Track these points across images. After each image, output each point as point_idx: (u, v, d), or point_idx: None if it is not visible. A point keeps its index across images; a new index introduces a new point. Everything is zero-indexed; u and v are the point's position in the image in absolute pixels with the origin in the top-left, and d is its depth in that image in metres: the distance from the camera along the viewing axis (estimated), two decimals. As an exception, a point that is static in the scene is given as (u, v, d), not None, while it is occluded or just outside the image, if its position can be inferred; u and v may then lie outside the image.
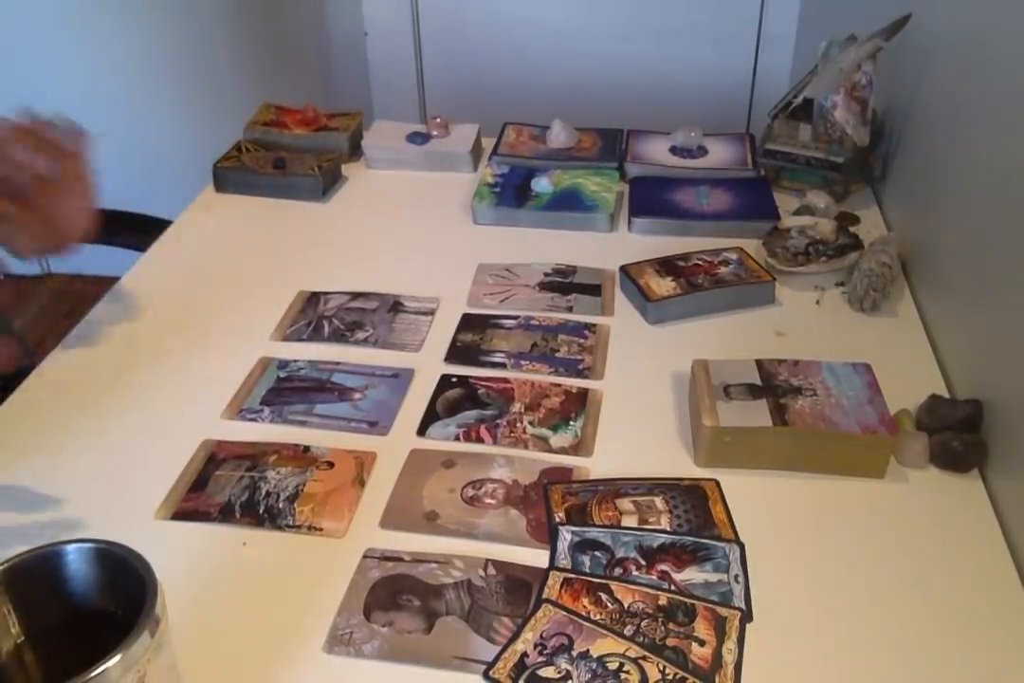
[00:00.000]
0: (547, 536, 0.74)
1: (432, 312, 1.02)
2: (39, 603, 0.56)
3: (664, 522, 0.75)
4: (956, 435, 0.80)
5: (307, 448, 0.83)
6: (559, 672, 0.62)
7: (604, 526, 0.74)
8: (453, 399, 0.89)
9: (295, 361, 0.94)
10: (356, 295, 1.05)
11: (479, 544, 0.73)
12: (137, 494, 0.78)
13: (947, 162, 1.02)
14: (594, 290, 1.06)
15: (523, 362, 0.94)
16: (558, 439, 0.84)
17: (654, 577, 0.70)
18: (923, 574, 0.71)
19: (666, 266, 1.05)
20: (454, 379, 0.92)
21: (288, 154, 1.29)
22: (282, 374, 0.92)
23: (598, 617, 0.66)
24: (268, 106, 1.41)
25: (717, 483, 0.79)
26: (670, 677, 0.62)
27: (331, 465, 0.81)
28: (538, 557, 0.72)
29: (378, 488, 0.79)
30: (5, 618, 0.55)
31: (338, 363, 0.94)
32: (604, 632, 0.65)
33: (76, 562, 0.56)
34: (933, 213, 1.05)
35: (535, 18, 2.33)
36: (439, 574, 0.70)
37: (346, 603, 0.68)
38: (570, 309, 1.02)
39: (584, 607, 0.67)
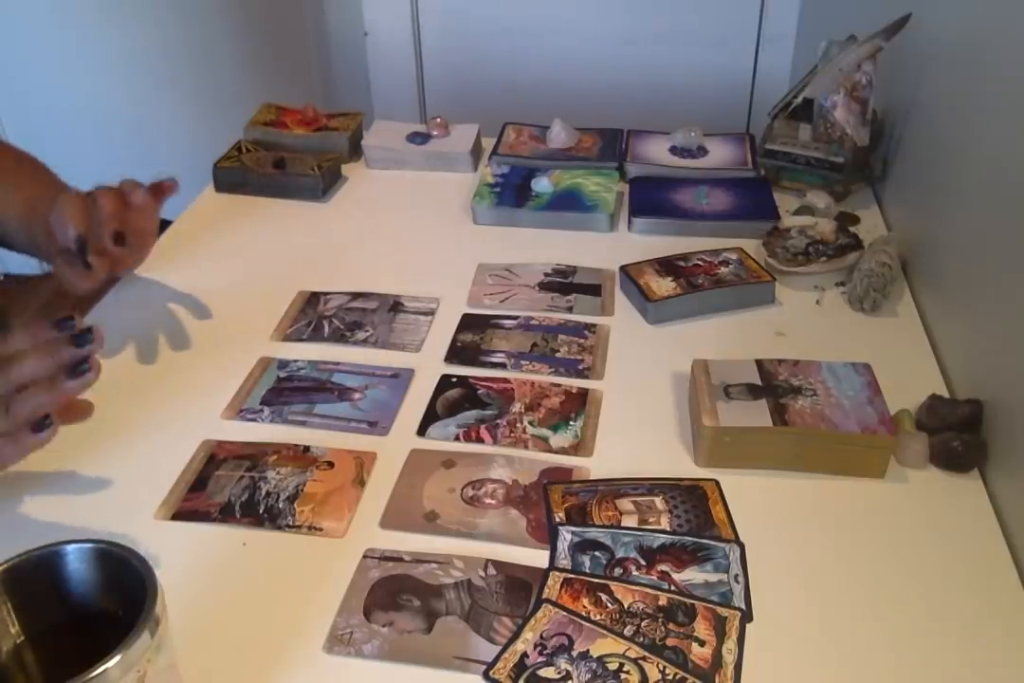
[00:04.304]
0: (547, 536, 0.74)
1: (432, 312, 1.02)
2: (39, 603, 0.56)
3: (664, 522, 0.75)
4: (956, 435, 0.80)
5: (307, 448, 0.83)
6: (559, 672, 0.62)
7: (604, 526, 0.74)
8: (453, 399, 0.89)
9: (295, 361, 0.94)
10: (356, 295, 1.05)
11: (479, 544, 0.73)
12: (137, 494, 0.78)
13: (947, 162, 1.02)
14: (594, 290, 1.06)
15: (523, 362, 0.94)
16: (558, 439, 0.84)
17: (654, 577, 0.70)
18: (923, 574, 0.71)
19: (666, 266, 1.05)
20: (454, 379, 0.92)
21: (288, 154, 1.29)
22: (282, 374, 0.93)
23: (598, 617, 0.66)
24: (268, 106, 1.41)
25: (717, 483, 0.79)
26: (670, 677, 0.62)
27: (331, 465, 0.81)
28: (538, 557, 0.72)
29: (378, 488, 0.79)
30: (5, 618, 0.55)
31: (338, 363, 0.94)
32: (604, 632, 0.65)
33: (76, 562, 0.56)
34: (933, 213, 1.05)
35: (535, 18, 2.33)
36: (439, 574, 0.70)
37: (346, 603, 0.68)
38: (570, 309, 1.02)
39: (584, 607, 0.67)
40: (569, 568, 0.71)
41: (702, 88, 2.34)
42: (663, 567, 0.70)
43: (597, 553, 0.72)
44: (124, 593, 0.54)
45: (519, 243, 1.16)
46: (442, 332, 0.99)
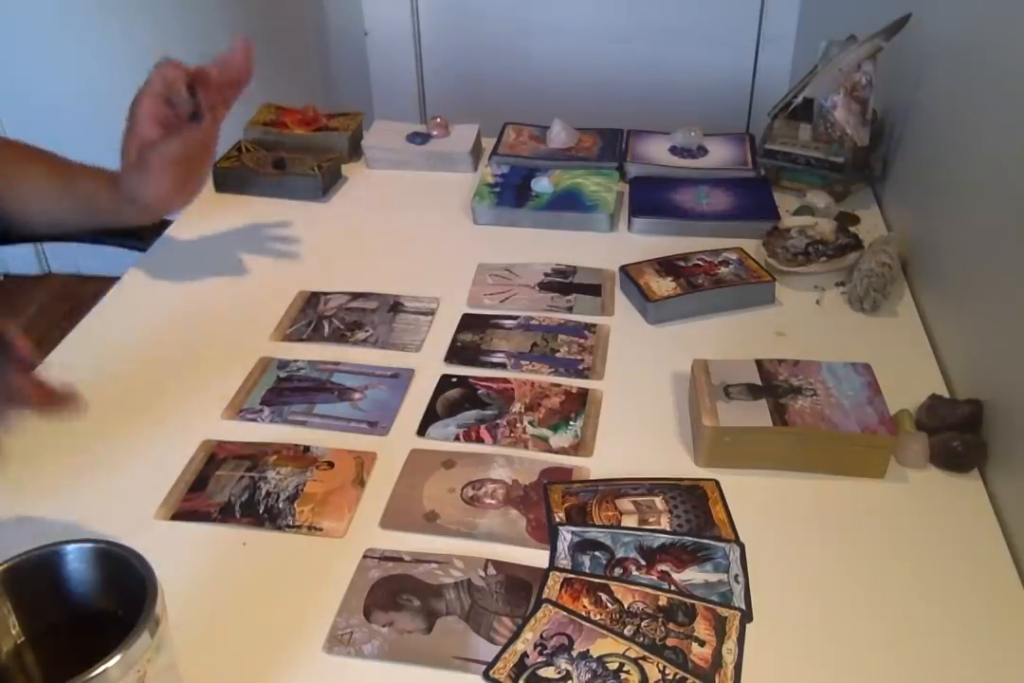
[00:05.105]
0: (547, 536, 0.74)
1: (432, 312, 1.02)
2: (39, 603, 0.56)
3: (664, 522, 0.75)
4: (956, 435, 0.80)
5: (307, 448, 0.83)
6: (559, 672, 0.62)
7: (604, 526, 0.74)
8: (453, 399, 0.89)
9: (295, 361, 0.94)
10: (356, 295, 1.05)
11: (479, 544, 0.73)
12: (137, 494, 0.78)
13: (947, 162, 1.02)
14: (594, 290, 1.06)
15: (523, 362, 0.94)
16: (558, 439, 0.84)
17: (654, 577, 0.70)
18: (923, 574, 0.71)
19: (666, 266, 1.05)
20: (454, 379, 0.92)
21: (288, 154, 1.29)
22: (282, 374, 0.93)
23: (598, 617, 0.66)
24: (268, 106, 1.41)
25: (717, 483, 0.79)
26: (670, 677, 0.62)
27: (331, 465, 0.81)
28: (538, 557, 0.72)
29: (378, 488, 0.79)
30: (5, 618, 0.55)
31: (338, 363, 0.94)
32: (604, 632, 0.65)
33: (76, 562, 0.56)
34: (933, 213, 1.05)
35: (535, 18, 2.33)
36: (439, 574, 0.70)
37: (346, 603, 0.68)
38: (570, 309, 1.02)
39: (584, 607, 0.67)
40: (569, 568, 0.71)
41: (702, 88, 2.33)
42: (663, 567, 0.70)
43: (597, 553, 0.72)
44: (124, 593, 0.54)
45: (519, 243, 1.16)
46: (442, 332, 0.99)
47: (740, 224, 1.15)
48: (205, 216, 1.23)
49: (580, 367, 0.93)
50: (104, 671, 0.48)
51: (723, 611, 0.67)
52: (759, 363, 0.85)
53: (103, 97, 2.25)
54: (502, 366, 0.94)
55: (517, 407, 0.88)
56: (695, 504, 0.77)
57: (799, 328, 0.99)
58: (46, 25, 2.14)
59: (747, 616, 0.67)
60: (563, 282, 1.07)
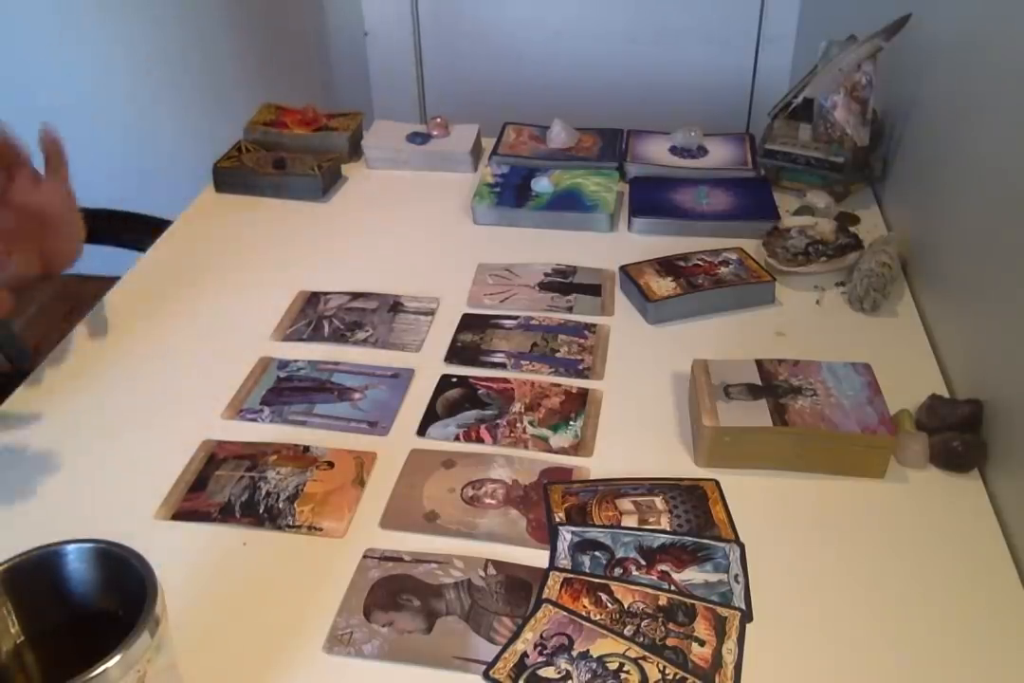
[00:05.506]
0: (547, 536, 0.74)
1: (432, 312, 1.02)
2: (39, 603, 0.56)
3: (664, 522, 0.75)
4: (956, 435, 0.80)
5: (307, 448, 0.83)
6: (559, 672, 0.62)
7: (604, 526, 0.74)
8: (453, 399, 0.89)
9: (295, 361, 0.94)
10: (356, 295, 1.05)
11: (479, 544, 0.73)
12: (137, 494, 0.78)
13: (947, 162, 1.02)
14: (594, 290, 1.06)
15: (523, 362, 0.94)
16: (558, 439, 0.84)
17: (654, 577, 0.70)
18: (923, 574, 0.71)
19: (666, 266, 1.05)
20: (454, 379, 0.92)
21: (288, 154, 1.29)
22: (282, 374, 0.93)
23: (598, 617, 0.66)
24: (268, 106, 1.41)
25: (717, 483, 0.79)
26: (670, 677, 0.62)
27: (331, 465, 0.81)
28: (538, 557, 0.72)
29: (378, 488, 0.79)
30: (5, 618, 0.55)
31: (338, 363, 0.94)
32: (604, 632, 0.65)
33: (76, 562, 0.56)
34: (933, 213, 1.05)
35: (535, 18, 2.33)
36: (439, 574, 0.70)
37: (346, 603, 0.68)
38: (570, 309, 1.02)
39: (584, 607, 0.67)
40: (569, 568, 0.71)
41: (702, 88, 2.34)
42: (663, 567, 0.70)
43: (597, 553, 0.72)
44: (124, 593, 0.54)
45: (519, 243, 1.16)
46: (442, 332, 0.99)
47: (740, 224, 1.15)
48: (205, 216, 1.23)
49: (580, 367, 0.93)
50: (104, 671, 0.48)
51: (723, 611, 0.67)
52: (759, 363, 0.85)
53: (102, 97, 2.25)
54: (502, 366, 0.94)
55: (517, 407, 0.88)
56: (695, 504, 0.77)
57: (799, 328, 0.99)
58: (46, 25, 2.13)
59: (747, 616, 0.67)
60: (563, 282, 1.07)
